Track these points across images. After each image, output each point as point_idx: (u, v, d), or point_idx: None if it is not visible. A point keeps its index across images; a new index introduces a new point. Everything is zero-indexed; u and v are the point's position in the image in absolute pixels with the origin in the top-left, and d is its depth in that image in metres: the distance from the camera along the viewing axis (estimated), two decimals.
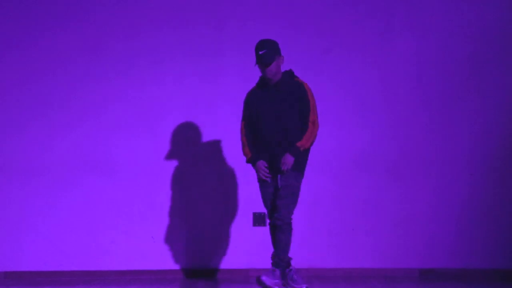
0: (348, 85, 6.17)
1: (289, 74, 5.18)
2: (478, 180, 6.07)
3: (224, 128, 6.07)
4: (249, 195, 6.02)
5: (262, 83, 5.17)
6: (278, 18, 6.22)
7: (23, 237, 6.05)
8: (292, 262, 5.12)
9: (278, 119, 5.04)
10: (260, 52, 5.01)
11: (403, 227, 6.05)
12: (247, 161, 5.16)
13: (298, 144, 4.99)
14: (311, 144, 5.08)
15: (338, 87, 6.17)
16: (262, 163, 5.05)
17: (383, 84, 6.18)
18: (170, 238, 6.07)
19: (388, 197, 6.08)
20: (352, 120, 6.16)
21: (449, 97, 6.15)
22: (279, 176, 5.02)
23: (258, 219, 6.06)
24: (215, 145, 6.17)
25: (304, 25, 6.21)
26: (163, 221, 6.10)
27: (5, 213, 6.07)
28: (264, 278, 4.89)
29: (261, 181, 5.13)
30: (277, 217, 5.02)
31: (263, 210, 6.06)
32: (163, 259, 6.06)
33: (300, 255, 6.02)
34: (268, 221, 5.20)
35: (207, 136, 6.16)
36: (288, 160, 4.99)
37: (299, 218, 6.06)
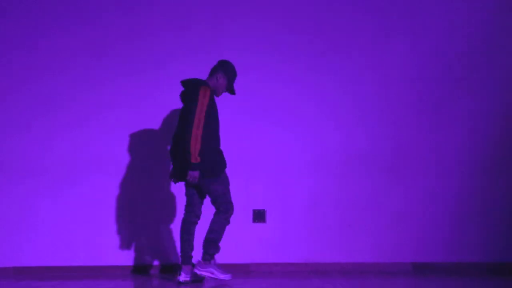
0: (348, 85, 6.25)
1: None
2: (471, 177, 6.19)
3: (227, 127, 6.01)
4: (249, 192, 6.13)
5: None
6: (276, 19, 6.30)
7: (31, 235, 6.05)
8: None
9: None
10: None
11: (399, 223, 6.14)
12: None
13: None
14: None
15: (337, 88, 6.25)
16: None
17: (382, 84, 6.27)
18: (171, 236, 6.15)
19: (384, 195, 6.18)
20: (351, 120, 6.25)
21: (448, 97, 6.24)
22: None
23: (257, 216, 6.15)
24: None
25: (302, 26, 6.30)
26: (165, 219, 6.15)
27: (10, 212, 6.06)
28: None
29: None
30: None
31: (263, 207, 6.16)
32: (166, 255, 6.14)
33: (299, 250, 6.11)
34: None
35: None
36: None
37: (299, 215, 6.17)
